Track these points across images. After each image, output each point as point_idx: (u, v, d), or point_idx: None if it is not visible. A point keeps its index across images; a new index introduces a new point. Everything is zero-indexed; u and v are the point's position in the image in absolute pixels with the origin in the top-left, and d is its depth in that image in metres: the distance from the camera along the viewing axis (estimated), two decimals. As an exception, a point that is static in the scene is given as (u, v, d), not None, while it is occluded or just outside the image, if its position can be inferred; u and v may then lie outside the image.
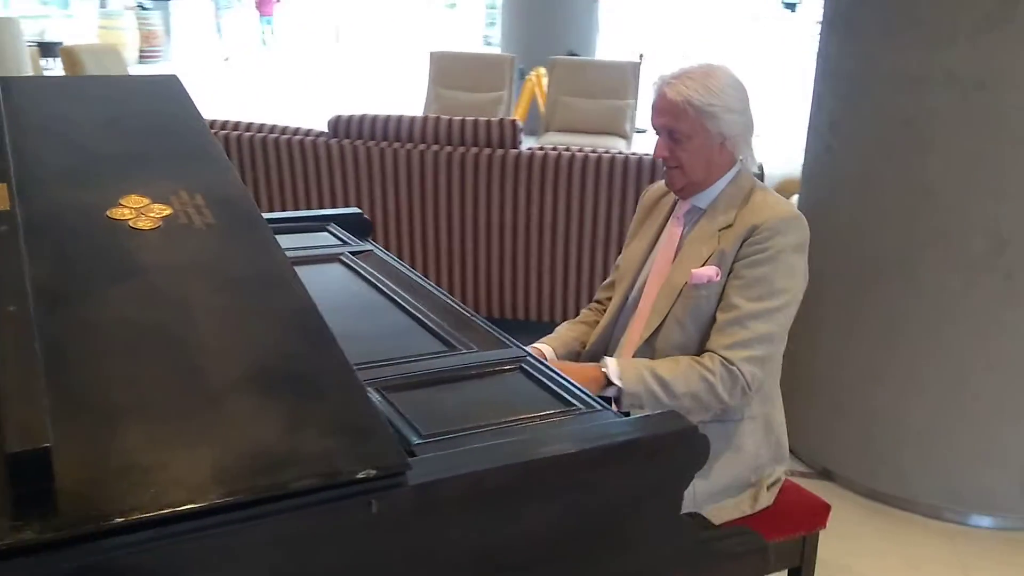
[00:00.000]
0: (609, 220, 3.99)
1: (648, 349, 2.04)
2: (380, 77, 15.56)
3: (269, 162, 4.11)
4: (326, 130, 4.14)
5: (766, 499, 2.08)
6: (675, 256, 2.06)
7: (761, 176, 2.20)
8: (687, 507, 1.94)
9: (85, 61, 6.72)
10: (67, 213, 1.51)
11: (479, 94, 7.84)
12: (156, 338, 1.22)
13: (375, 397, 1.38)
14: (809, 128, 3.29)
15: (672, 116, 1.95)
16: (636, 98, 7.93)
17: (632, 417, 1.38)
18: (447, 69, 8.04)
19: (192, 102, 1.97)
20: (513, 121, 4.06)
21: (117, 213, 1.52)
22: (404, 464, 1.08)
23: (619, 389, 1.89)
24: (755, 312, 1.92)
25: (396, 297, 1.80)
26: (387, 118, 4.09)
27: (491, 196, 4.04)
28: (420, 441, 1.26)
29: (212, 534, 0.99)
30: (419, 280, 1.95)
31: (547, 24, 10.46)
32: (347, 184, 4.10)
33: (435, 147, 4.04)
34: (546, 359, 2.18)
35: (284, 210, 4.14)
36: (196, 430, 1.08)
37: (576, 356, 2.20)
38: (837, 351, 3.17)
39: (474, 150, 4.02)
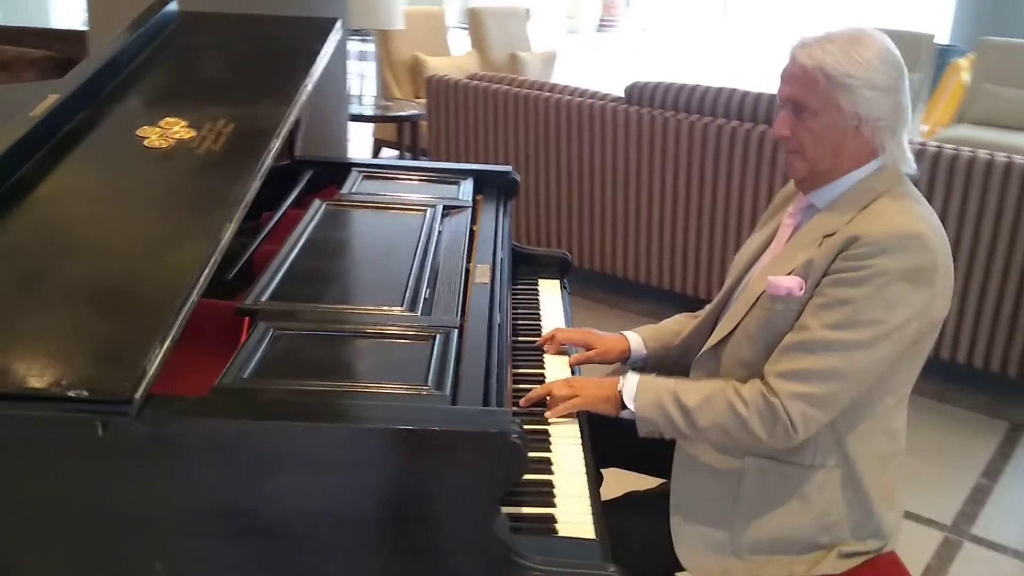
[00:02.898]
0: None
1: (714, 359, 1.75)
2: (764, 54, 14.62)
3: (560, 123, 4.14)
4: (623, 96, 4.07)
5: (831, 567, 1.69)
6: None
7: (917, 184, 1.73)
8: (722, 551, 1.68)
9: (487, 21, 7.27)
10: (109, 126, 1.69)
11: (884, 77, 7.07)
12: (47, 239, 1.34)
13: (263, 336, 1.37)
14: None
15: (800, 85, 1.59)
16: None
17: (451, 408, 1.20)
18: (853, 47, 7.36)
19: (320, 46, 2.08)
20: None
21: (144, 131, 1.67)
22: (123, 395, 1.08)
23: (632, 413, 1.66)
24: (827, 341, 1.54)
25: (421, 252, 1.75)
26: (681, 87, 3.90)
27: (774, 179, 3.68)
28: (225, 385, 1.23)
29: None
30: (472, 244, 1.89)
31: (1008, 3, 9.10)
32: (628, 150, 4.00)
33: (722, 120, 3.77)
34: (629, 348, 1.99)
35: (568, 171, 4.17)
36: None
37: (667, 349, 1.96)
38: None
39: (763, 127, 3.69)
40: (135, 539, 1.15)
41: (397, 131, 5.63)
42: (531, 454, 1.57)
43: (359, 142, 6.55)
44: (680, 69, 12.21)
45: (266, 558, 1.16)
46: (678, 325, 2.01)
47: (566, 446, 1.64)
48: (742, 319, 1.70)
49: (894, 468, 1.73)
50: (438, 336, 1.40)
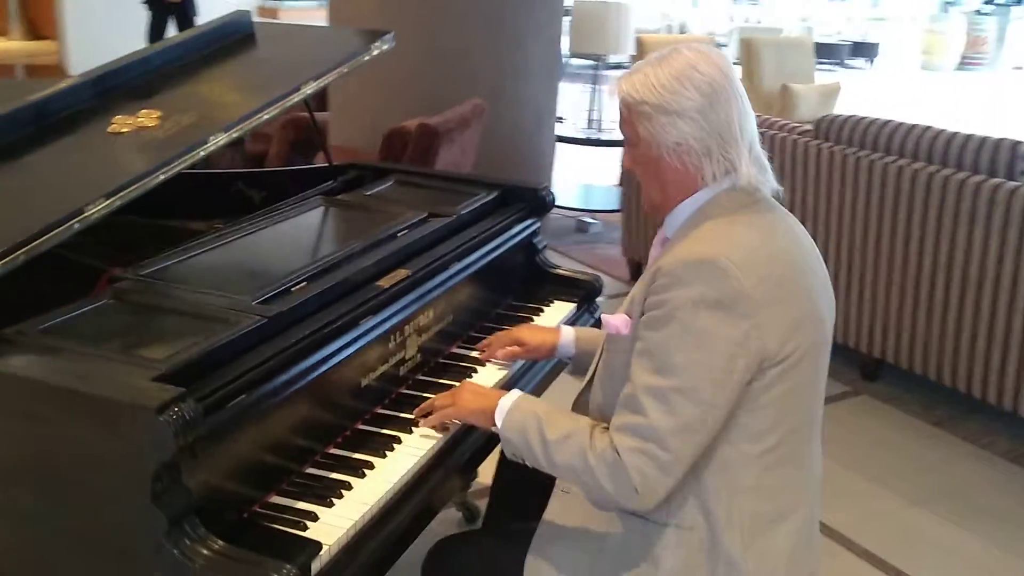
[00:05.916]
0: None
1: (583, 403, 1.65)
2: None
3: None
4: (811, 129, 3.75)
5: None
6: None
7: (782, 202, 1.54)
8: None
9: (762, 53, 6.96)
10: (98, 113, 1.92)
11: None
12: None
13: (94, 303, 1.51)
14: None
15: (620, 118, 1.56)
16: None
17: (132, 381, 1.23)
18: None
19: (351, 54, 2.18)
20: (1015, 143, 3.12)
21: (117, 118, 1.88)
22: None
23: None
24: (649, 389, 1.39)
25: (343, 251, 1.80)
26: (871, 123, 3.52)
27: (972, 239, 3.18)
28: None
29: None
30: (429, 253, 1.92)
31: None
32: (807, 187, 3.67)
33: (916, 165, 3.34)
34: (557, 341, 1.91)
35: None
36: None
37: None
38: None
39: (961, 175, 3.22)
40: None
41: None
42: (357, 455, 1.60)
43: (607, 167, 6.61)
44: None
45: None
46: None
47: (406, 455, 1.61)
48: (599, 360, 1.60)
49: (785, 533, 1.49)
50: (231, 320, 1.45)
